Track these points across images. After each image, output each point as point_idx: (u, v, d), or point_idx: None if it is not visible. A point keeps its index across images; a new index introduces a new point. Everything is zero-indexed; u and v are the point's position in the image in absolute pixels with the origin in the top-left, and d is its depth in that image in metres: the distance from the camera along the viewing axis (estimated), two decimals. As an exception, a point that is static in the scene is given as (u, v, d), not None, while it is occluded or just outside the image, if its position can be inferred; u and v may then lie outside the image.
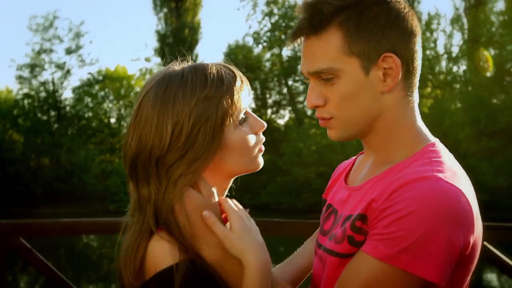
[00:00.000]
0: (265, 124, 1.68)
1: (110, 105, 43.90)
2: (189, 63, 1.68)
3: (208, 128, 1.54)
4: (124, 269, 1.56)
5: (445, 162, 1.51)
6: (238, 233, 1.53)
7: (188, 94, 1.54)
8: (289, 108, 39.97)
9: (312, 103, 1.59)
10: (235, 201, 1.64)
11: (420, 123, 1.63)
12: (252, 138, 1.63)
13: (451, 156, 1.60)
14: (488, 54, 30.98)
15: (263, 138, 1.69)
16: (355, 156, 1.90)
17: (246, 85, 1.66)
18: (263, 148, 1.69)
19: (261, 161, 1.68)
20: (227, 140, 1.58)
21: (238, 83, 1.62)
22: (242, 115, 1.62)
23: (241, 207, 1.64)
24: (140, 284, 1.53)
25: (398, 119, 1.58)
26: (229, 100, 1.57)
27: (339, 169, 1.93)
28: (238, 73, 1.66)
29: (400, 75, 1.54)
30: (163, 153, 1.53)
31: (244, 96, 1.63)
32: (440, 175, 1.44)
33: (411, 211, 1.37)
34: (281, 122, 39.77)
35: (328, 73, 1.54)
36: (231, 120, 1.58)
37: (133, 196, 1.62)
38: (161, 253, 1.50)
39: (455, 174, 1.48)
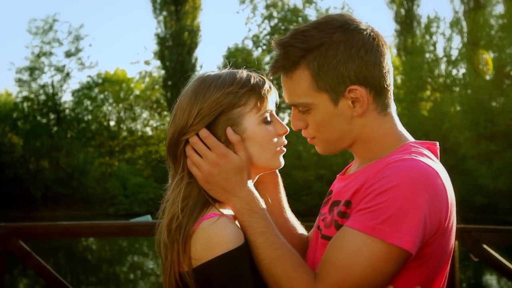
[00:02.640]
0: (288, 129, 1.87)
1: (110, 108, 43.92)
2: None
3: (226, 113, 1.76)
4: (174, 244, 1.69)
5: (425, 154, 1.71)
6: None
7: (217, 88, 1.77)
8: (288, 111, 40.02)
9: (296, 126, 1.82)
10: None
11: (400, 128, 1.82)
12: (273, 137, 1.83)
13: (431, 155, 1.76)
14: (488, 57, 30.99)
15: (285, 141, 1.87)
16: None
17: (274, 92, 1.87)
18: (284, 149, 1.88)
19: (281, 161, 1.87)
20: (250, 132, 1.78)
21: (265, 87, 1.83)
22: (267, 115, 1.82)
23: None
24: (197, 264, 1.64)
25: (375, 132, 1.78)
26: (252, 98, 1.79)
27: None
28: (269, 82, 1.87)
29: (370, 100, 1.74)
30: (185, 131, 1.77)
31: (270, 100, 1.84)
32: (419, 158, 1.65)
33: (392, 185, 1.56)
34: (280, 125, 39.69)
35: (303, 106, 1.76)
36: (255, 115, 1.79)
37: (171, 174, 1.85)
38: (224, 235, 1.63)
39: (433, 163, 1.67)
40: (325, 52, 1.68)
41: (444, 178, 1.66)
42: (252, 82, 1.81)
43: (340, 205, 1.75)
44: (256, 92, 1.80)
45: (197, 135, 1.76)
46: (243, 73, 1.84)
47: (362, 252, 1.56)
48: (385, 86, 1.76)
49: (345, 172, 2.00)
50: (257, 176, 1.91)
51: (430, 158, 1.70)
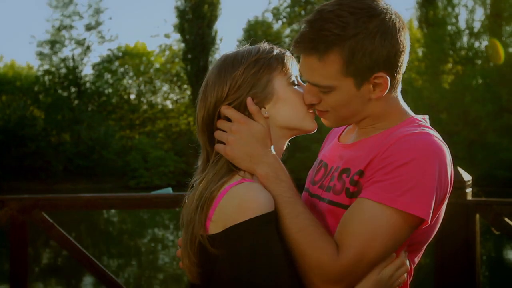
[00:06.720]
0: None
1: (130, 81, 44.08)
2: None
3: (258, 76, 1.80)
4: (199, 215, 1.71)
5: (429, 127, 1.82)
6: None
7: (245, 57, 1.81)
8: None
9: (309, 101, 1.83)
10: None
11: (403, 104, 1.89)
12: (303, 98, 1.84)
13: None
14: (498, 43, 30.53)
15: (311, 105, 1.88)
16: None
17: (295, 62, 1.89)
18: (314, 112, 1.88)
19: (314, 123, 1.88)
20: (281, 93, 1.81)
21: (287, 54, 1.87)
22: (294, 79, 1.85)
23: None
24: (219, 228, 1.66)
25: (385, 109, 1.85)
26: (280, 62, 1.83)
27: (333, 132, 2.18)
28: (290, 52, 1.88)
29: (388, 85, 1.78)
30: (222, 101, 1.79)
31: (294, 66, 1.87)
32: (430, 131, 1.76)
33: (409, 159, 1.64)
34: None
35: (325, 87, 1.77)
36: (283, 77, 1.82)
37: (203, 152, 1.87)
38: (258, 198, 1.64)
39: (438, 135, 1.78)
40: (362, 42, 1.69)
41: (447, 150, 1.76)
42: (275, 50, 1.85)
43: (350, 173, 1.80)
44: (281, 58, 1.84)
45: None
46: (265, 44, 1.88)
47: (383, 223, 1.64)
48: (400, 71, 1.80)
49: (339, 139, 2.05)
50: (287, 141, 1.92)
51: (436, 133, 1.79)
